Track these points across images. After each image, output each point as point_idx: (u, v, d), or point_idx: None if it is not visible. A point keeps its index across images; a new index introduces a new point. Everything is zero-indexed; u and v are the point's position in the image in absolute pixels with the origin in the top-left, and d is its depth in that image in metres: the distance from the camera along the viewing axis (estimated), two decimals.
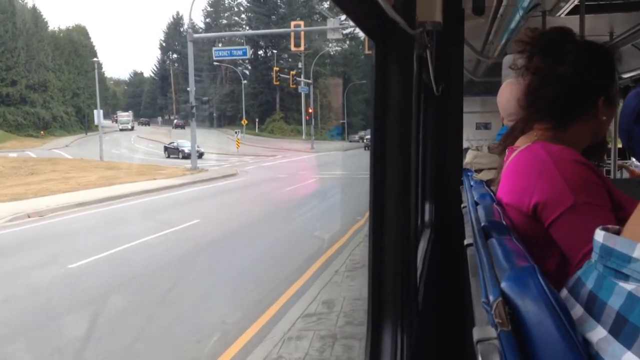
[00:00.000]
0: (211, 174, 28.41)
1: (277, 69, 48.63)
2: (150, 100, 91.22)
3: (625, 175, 6.83)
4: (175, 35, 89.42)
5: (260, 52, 78.70)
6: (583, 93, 1.53)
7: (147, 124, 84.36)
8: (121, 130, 67.89)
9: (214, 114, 78.98)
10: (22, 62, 64.37)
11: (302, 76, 61.54)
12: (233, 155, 42.98)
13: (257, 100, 75.68)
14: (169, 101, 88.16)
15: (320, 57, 66.76)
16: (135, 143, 56.27)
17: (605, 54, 1.56)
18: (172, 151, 43.92)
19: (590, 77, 1.52)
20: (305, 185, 23.88)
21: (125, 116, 73.94)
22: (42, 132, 63.20)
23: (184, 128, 72.73)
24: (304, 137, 62.35)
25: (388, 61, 1.31)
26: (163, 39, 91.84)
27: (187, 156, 38.04)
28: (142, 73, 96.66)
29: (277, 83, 49.49)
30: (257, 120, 73.02)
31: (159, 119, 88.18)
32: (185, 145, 41.29)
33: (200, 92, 75.50)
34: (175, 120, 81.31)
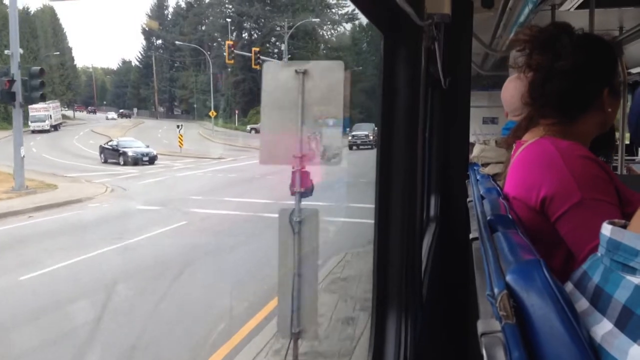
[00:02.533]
0: (36, 201, 16.70)
1: (258, 49, 40.30)
2: (134, 90, 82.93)
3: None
4: (159, 18, 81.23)
5: (245, 35, 69.79)
6: (587, 86, 1.53)
7: (128, 116, 72.89)
8: (33, 132, 46.13)
9: (194, 105, 68.70)
10: None
11: (284, 59, 51.14)
12: (173, 157, 33.78)
13: (240, 90, 65.03)
14: (151, 91, 79.85)
15: (311, 40, 59.63)
16: (79, 142, 44.67)
17: (605, 45, 1.57)
18: (109, 154, 31.32)
19: (592, 70, 1.53)
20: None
21: (40, 110, 47.86)
22: None
23: (130, 118, 68.03)
24: None
25: (396, 53, 1.31)
26: (145, 22, 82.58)
27: (130, 161, 29.30)
28: (130, 62, 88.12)
29: (257, 67, 39.46)
30: (237, 112, 63.67)
31: (135, 110, 78.92)
32: (130, 146, 31.59)
33: (183, 80, 71.11)
34: (121, 111, 73.56)
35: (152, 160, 30.24)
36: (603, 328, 0.61)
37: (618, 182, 1.41)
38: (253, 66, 38.50)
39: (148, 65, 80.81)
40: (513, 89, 2.40)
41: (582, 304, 0.68)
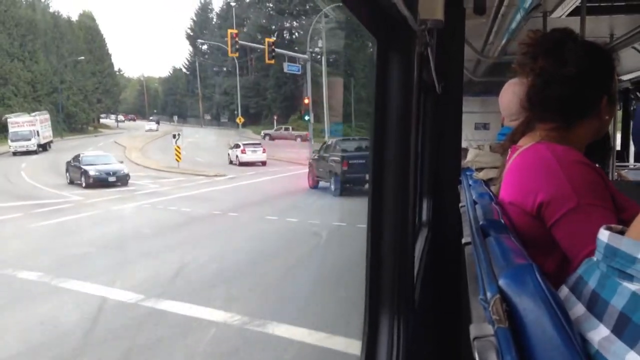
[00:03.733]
0: None
1: (272, 40, 35.02)
2: (181, 97, 79.10)
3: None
4: (204, 22, 77.76)
5: (286, 35, 63.41)
6: (588, 92, 1.54)
7: (158, 123, 66.97)
8: (15, 154, 35.91)
9: (236, 111, 58.12)
10: None
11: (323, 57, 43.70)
12: (162, 173, 29.11)
13: (280, 94, 58.90)
14: (196, 98, 75.35)
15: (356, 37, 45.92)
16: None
17: (605, 53, 1.58)
18: (74, 172, 24.95)
19: (594, 77, 1.54)
20: None
21: (24, 125, 38.49)
22: None
23: (159, 124, 64.68)
24: (326, 138, 41.89)
25: (389, 58, 1.31)
26: (191, 26, 79.08)
27: (92, 182, 23.44)
28: (180, 69, 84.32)
29: (272, 62, 35.98)
30: (275, 117, 57.19)
31: (175, 117, 75.46)
32: (94, 162, 24.92)
33: (223, 83, 67.12)
34: (151, 118, 71.89)
35: (122, 179, 24.29)
36: (599, 334, 0.62)
37: (613, 188, 1.42)
38: (267, 61, 33.53)
39: (194, 71, 77.25)
40: (512, 94, 2.41)
41: (578, 309, 0.68)
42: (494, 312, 0.68)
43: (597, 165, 1.52)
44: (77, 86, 57.77)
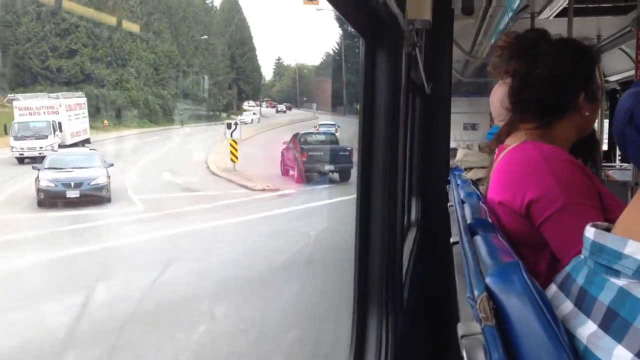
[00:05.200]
0: None
1: None
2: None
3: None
4: None
5: None
6: (562, 91, 1.55)
7: (284, 111, 61.27)
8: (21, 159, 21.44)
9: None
10: (86, 25, 40.76)
11: None
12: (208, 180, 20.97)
13: None
14: (340, 85, 63.99)
15: None
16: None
17: (582, 50, 1.59)
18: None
19: (567, 75, 1.55)
20: None
21: (39, 111, 24.08)
22: (105, 121, 37.91)
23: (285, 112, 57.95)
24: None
25: (377, 57, 1.31)
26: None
27: (44, 198, 15.20)
28: (331, 55, 77.25)
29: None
30: None
31: (314, 105, 64.77)
32: (66, 164, 16.87)
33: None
34: (278, 106, 61.72)
35: (95, 194, 15.92)
36: (588, 329, 0.62)
37: (601, 187, 1.42)
38: None
39: (340, 56, 67.96)
40: (501, 94, 2.42)
41: (567, 306, 0.69)
42: (481, 310, 0.68)
43: (584, 164, 1.53)
44: (208, 70, 50.45)
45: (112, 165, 17.78)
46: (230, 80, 54.13)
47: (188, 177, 20.86)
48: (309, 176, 20.08)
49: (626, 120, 1.08)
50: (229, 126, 22.92)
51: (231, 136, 22.30)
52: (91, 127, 34.17)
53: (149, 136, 34.46)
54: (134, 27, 43.32)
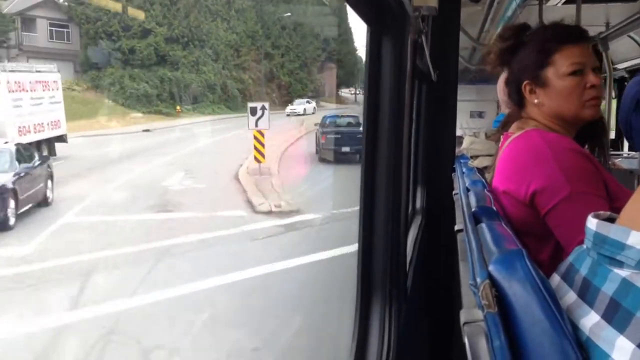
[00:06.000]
0: None
1: None
2: None
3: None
4: None
5: None
6: (512, 81, 1.64)
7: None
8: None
9: None
10: (161, 2, 37.86)
11: None
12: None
13: None
14: None
15: None
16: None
17: (533, 38, 1.61)
18: None
19: (515, 66, 1.63)
20: None
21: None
22: (178, 107, 34.62)
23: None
24: None
25: (382, 45, 1.30)
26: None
27: None
28: None
29: None
30: None
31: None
32: None
33: None
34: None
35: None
36: (591, 320, 0.62)
37: (607, 176, 1.42)
38: None
39: None
40: (501, 83, 2.44)
41: (570, 296, 0.69)
42: (484, 297, 0.68)
43: (591, 152, 1.52)
44: (296, 52, 44.42)
45: (33, 167, 12.86)
46: (319, 63, 47.61)
47: (195, 182, 16.47)
48: (324, 158, 20.62)
49: (632, 108, 1.07)
50: (253, 112, 16.96)
51: (256, 126, 16.76)
52: (163, 114, 34.05)
53: (216, 124, 30.93)
54: (214, 5, 40.17)
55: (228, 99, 39.37)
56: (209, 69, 38.63)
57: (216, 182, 16.90)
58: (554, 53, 1.54)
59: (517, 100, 1.63)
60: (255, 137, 16.72)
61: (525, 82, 1.56)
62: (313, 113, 36.24)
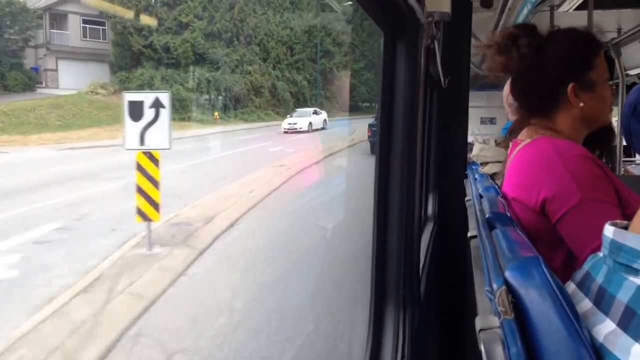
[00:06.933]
0: None
1: None
2: None
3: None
4: None
5: None
6: (545, 85, 1.54)
7: None
8: None
9: None
10: None
11: None
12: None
13: None
14: None
15: None
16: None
17: (569, 40, 1.55)
18: None
19: (551, 67, 1.53)
20: None
21: None
22: (216, 113, 29.26)
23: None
24: None
25: (396, 51, 1.31)
26: None
27: None
28: None
29: None
30: None
31: None
32: None
33: None
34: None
35: None
36: (606, 328, 0.62)
37: (617, 182, 1.41)
38: None
39: None
40: (506, 90, 2.43)
41: (585, 304, 0.69)
42: (500, 303, 0.68)
43: (600, 159, 1.51)
44: (361, 50, 37.76)
45: None
46: None
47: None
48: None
49: (630, 113, 1.07)
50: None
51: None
52: (199, 121, 27.10)
53: (246, 133, 25.54)
54: None
55: (278, 103, 33.15)
56: (256, 69, 32.58)
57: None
58: (595, 57, 1.53)
59: (549, 105, 1.56)
60: (141, 167, 8.33)
61: (571, 85, 1.51)
62: (323, 128, 28.12)
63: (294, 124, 26.95)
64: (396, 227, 1.41)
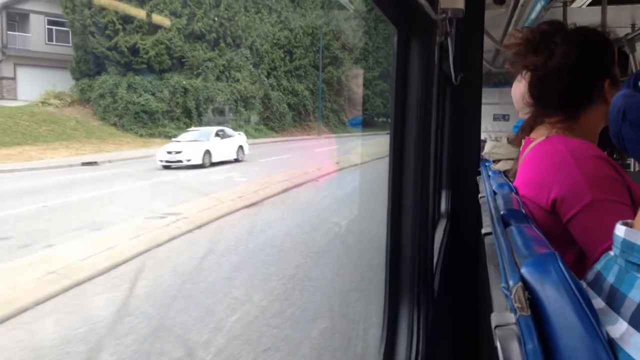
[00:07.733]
0: None
1: None
2: None
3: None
4: None
5: None
6: (584, 81, 1.53)
7: None
8: None
9: None
10: None
11: None
12: None
13: None
14: None
15: None
16: None
17: (599, 38, 1.55)
18: None
19: (587, 64, 1.52)
20: None
21: None
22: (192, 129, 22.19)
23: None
24: None
25: (409, 47, 1.31)
26: None
27: None
28: None
29: None
30: None
31: None
32: None
33: None
34: None
35: None
36: (619, 327, 0.62)
37: (630, 182, 1.40)
38: None
39: None
40: (523, 89, 2.41)
41: (598, 303, 0.69)
42: (516, 300, 0.68)
43: (612, 158, 1.50)
44: (375, 56, 33.03)
45: None
46: None
47: None
48: None
49: (620, 119, 1.06)
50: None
51: None
52: (172, 136, 20.62)
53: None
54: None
55: (272, 117, 28.34)
56: (245, 76, 27.52)
57: None
58: (614, 55, 1.54)
59: (583, 101, 1.54)
60: None
61: (607, 80, 1.51)
62: (237, 160, 19.89)
63: (177, 152, 17.65)
64: (410, 224, 1.41)
